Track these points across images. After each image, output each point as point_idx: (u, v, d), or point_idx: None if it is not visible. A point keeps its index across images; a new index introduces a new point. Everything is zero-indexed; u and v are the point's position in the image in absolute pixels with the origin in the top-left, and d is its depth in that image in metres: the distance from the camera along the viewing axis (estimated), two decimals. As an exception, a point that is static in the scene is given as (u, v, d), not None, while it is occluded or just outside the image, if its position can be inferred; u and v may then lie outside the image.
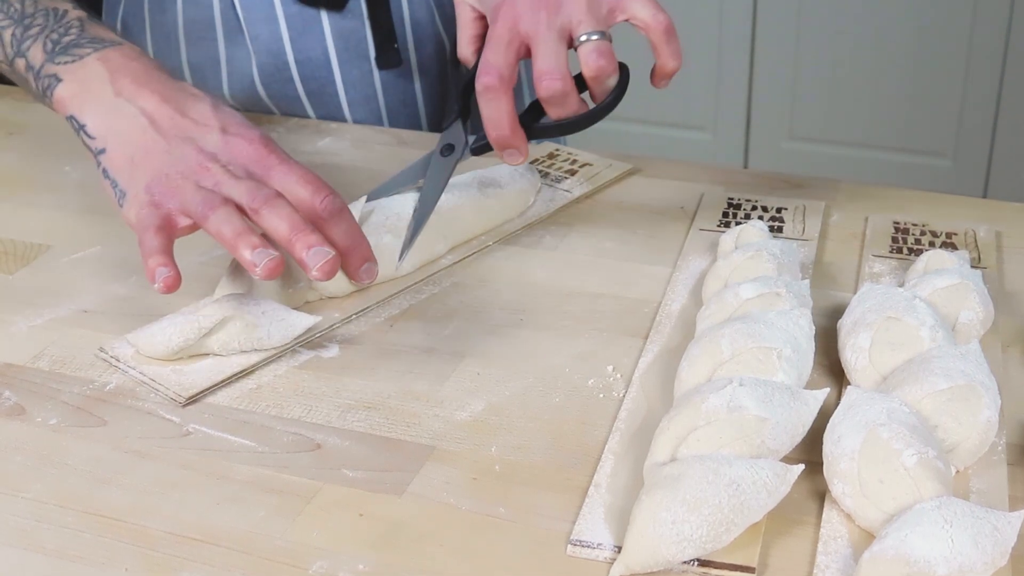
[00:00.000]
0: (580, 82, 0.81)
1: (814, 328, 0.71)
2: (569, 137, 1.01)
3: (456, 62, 0.88)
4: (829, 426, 0.63)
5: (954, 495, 0.59)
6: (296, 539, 0.61)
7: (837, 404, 0.64)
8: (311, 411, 0.71)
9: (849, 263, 0.86)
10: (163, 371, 0.75)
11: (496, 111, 0.81)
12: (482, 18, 0.86)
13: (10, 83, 0.91)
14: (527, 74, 1.16)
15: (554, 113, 0.81)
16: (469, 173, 0.92)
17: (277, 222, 0.73)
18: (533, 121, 0.83)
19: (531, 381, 0.74)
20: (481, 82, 0.80)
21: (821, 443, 0.62)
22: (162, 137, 0.77)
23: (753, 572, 0.58)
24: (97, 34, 0.84)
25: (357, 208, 0.82)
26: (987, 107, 2.59)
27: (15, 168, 1.04)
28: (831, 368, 0.73)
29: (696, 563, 0.58)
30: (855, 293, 0.75)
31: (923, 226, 0.89)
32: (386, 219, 0.85)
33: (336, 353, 0.77)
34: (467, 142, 0.86)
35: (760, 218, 0.91)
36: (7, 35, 0.85)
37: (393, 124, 1.15)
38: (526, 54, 0.81)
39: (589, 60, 0.79)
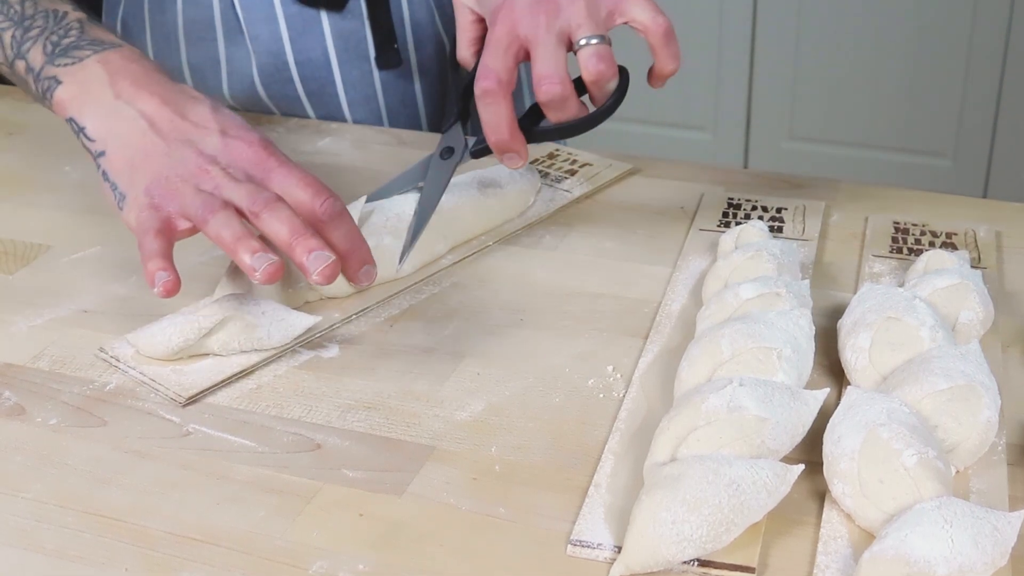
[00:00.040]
0: (580, 85, 0.81)
1: (814, 328, 0.71)
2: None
3: (455, 64, 0.88)
4: (829, 426, 0.63)
5: (954, 495, 0.59)
6: (296, 539, 0.61)
7: (837, 404, 0.64)
8: (311, 411, 0.71)
9: (849, 263, 0.86)
10: (163, 371, 0.75)
11: (495, 115, 0.81)
12: (481, 21, 0.86)
13: (10, 83, 0.91)
14: (527, 76, 1.16)
15: (554, 117, 0.81)
16: (469, 173, 0.92)
17: (277, 226, 0.72)
18: (532, 124, 0.83)
19: (531, 381, 0.74)
20: (480, 86, 0.80)
21: (821, 443, 0.62)
22: (162, 140, 0.77)
23: (753, 572, 0.58)
24: (97, 36, 0.84)
25: (356, 209, 0.82)
26: (987, 107, 2.59)
27: (15, 168, 1.04)
28: (831, 368, 0.73)
29: (696, 563, 0.58)
30: (855, 293, 0.75)
31: (923, 226, 0.89)
32: (386, 220, 0.85)
33: (336, 353, 0.77)
34: (466, 145, 0.86)
35: (760, 218, 0.91)
36: (7, 37, 0.85)
37: (393, 124, 1.15)
38: (525, 57, 0.81)
39: (589, 65, 0.79)
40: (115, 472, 0.67)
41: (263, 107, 1.14)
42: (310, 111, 1.13)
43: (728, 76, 2.74)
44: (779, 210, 0.92)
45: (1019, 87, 2.55)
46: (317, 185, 0.75)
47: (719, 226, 0.90)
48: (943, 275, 0.75)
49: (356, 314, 0.81)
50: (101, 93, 0.80)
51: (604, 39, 0.79)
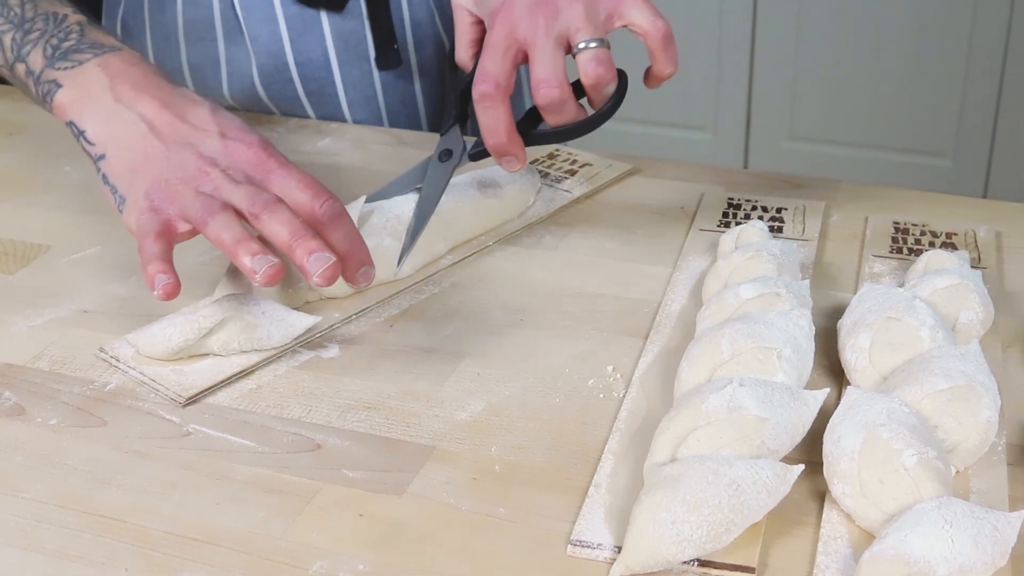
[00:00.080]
0: (578, 88, 0.81)
1: (814, 328, 0.71)
2: (569, 138, 1.01)
3: (454, 66, 0.88)
4: (829, 426, 0.63)
5: (954, 495, 0.59)
6: (296, 539, 0.61)
7: (837, 404, 0.64)
8: (311, 411, 0.71)
9: (849, 263, 0.86)
10: (163, 371, 0.75)
11: (493, 119, 0.80)
12: (479, 23, 0.86)
13: (10, 84, 0.91)
14: (527, 78, 1.16)
15: (552, 120, 0.81)
16: (469, 173, 0.92)
17: (277, 228, 0.72)
18: (531, 127, 0.83)
19: (531, 381, 0.74)
20: (478, 90, 0.80)
21: (821, 443, 0.62)
22: (161, 143, 0.77)
23: (753, 572, 0.58)
24: (97, 39, 0.84)
25: (355, 209, 0.82)
26: (987, 107, 2.59)
27: (15, 168, 1.04)
28: (831, 368, 0.73)
29: (696, 563, 0.58)
30: (855, 293, 0.75)
31: (923, 226, 0.89)
32: (386, 221, 0.85)
33: (336, 353, 0.77)
34: (465, 147, 0.86)
35: (760, 218, 0.91)
36: (7, 40, 0.85)
37: (393, 124, 1.15)
38: (523, 60, 0.80)
39: (588, 69, 0.79)
40: (115, 472, 0.67)
41: (263, 107, 1.14)
42: (310, 111, 1.13)
43: (728, 76, 2.74)
44: (779, 210, 0.92)
45: (1019, 87, 2.55)
46: (317, 186, 0.75)
47: (719, 226, 0.90)
48: (943, 275, 0.75)
49: (356, 314, 0.81)
50: (101, 97, 0.80)
51: (603, 42, 0.79)
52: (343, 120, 1.13)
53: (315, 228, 0.74)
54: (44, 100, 0.83)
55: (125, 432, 0.70)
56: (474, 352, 0.77)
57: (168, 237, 0.74)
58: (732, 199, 0.94)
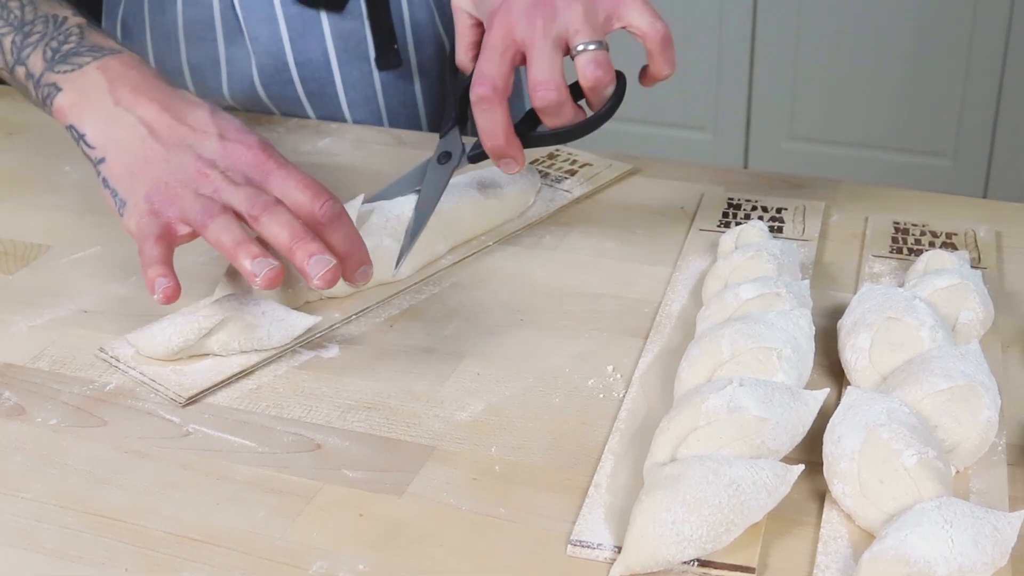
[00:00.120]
0: (577, 89, 0.81)
1: (814, 328, 0.71)
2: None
3: (455, 68, 0.88)
4: (829, 426, 0.63)
5: (954, 495, 0.59)
6: (296, 539, 0.61)
7: (837, 404, 0.64)
8: (311, 411, 0.71)
9: (849, 263, 0.86)
10: (163, 371, 0.75)
11: (491, 122, 0.80)
12: (479, 24, 0.86)
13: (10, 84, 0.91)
14: (527, 79, 1.16)
15: (550, 122, 0.81)
16: (469, 173, 0.92)
17: (277, 230, 0.72)
18: (530, 129, 0.83)
19: (531, 381, 0.74)
20: (475, 93, 0.80)
21: (821, 443, 0.62)
22: (161, 145, 0.77)
23: (753, 572, 0.58)
24: (96, 42, 0.84)
25: (354, 207, 0.82)
26: (987, 107, 2.59)
27: (15, 168, 1.04)
28: (831, 368, 0.73)
29: (696, 563, 0.58)
30: (855, 293, 0.75)
31: (923, 226, 0.89)
32: (387, 221, 0.85)
33: (336, 353, 0.77)
34: (464, 150, 0.86)
35: (760, 218, 0.91)
36: (7, 42, 0.85)
37: (393, 125, 1.15)
38: (522, 61, 0.80)
39: (586, 71, 0.79)
40: (115, 472, 0.67)
41: (263, 107, 1.14)
42: (310, 112, 1.13)
43: (728, 76, 2.74)
44: (779, 210, 0.92)
45: (1019, 87, 2.55)
46: (316, 187, 0.75)
47: (719, 226, 0.90)
48: (943, 275, 0.75)
49: (356, 314, 0.81)
50: (100, 100, 0.80)
51: (602, 45, 0.79)
52: (343, 120, 1.13)
53: (315, 229, 0.74)
54: (44, 103, 0.83)
55: (125, 432, 0.70)
56: (474, 352, 0.77)
57: (168, 240, 0.74)
58: (732, 199, 0.94)
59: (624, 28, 0.81)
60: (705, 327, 0.73)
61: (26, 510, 0.64)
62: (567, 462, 0.66)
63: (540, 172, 0.99)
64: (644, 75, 0.83)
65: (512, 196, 0.92)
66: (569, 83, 0.80)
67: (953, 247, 0.86)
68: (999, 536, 0.55)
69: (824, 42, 2.64)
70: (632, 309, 0.81)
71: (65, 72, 0.82)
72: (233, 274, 0.80)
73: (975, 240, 0.87)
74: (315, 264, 0.71)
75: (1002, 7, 2.49)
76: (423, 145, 1.04)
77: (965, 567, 0.54)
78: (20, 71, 0.85)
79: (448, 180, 0.86)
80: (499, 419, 0.70)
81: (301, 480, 0.66)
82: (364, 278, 0.77)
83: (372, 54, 1.11)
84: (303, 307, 0.81)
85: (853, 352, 0.70)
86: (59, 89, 0.82)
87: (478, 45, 0.86)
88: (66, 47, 0.83)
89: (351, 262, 0.76)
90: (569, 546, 0.60)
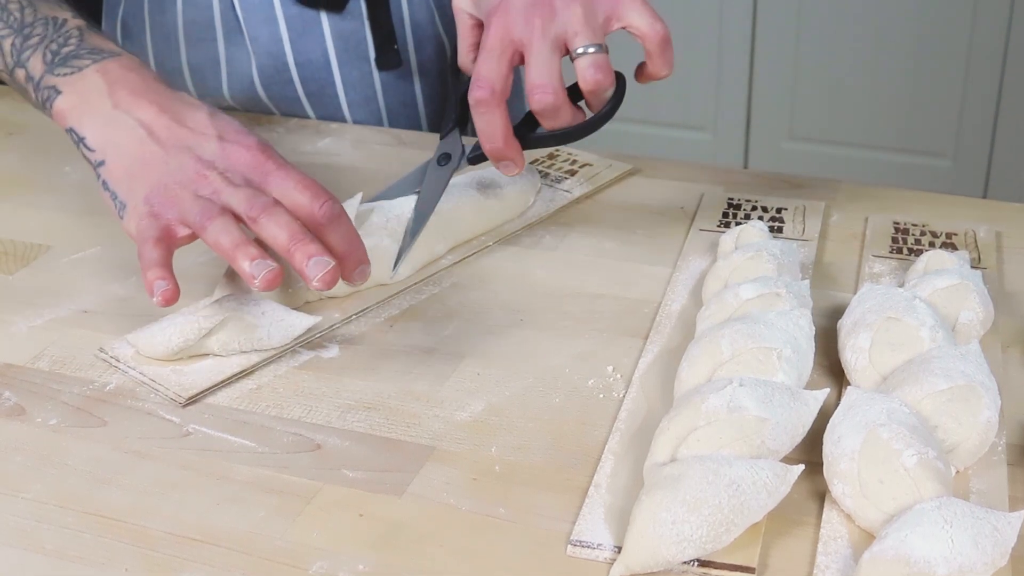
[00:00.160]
0: (576, 90, 0.81)
1: (814, 328, 0.71)
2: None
3: (457, 70, 0.88)
4: (829, 426, 0.63)
5: (954, 495, 0.59)
6: (296, 539, 0.61)
7: (837, 404, 0.64)
8: (311, 411, 0.71)
9: (849, 263, 0.86)
10: (163, 371, 0.75)
11: (490, 124, 0.80)
12: (480, 25, 0.86)
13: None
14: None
15: (548, 125, 0.81)
16: (469, 173, 0.92)
17: (276, 231, 0.72)
18: (529, 131, 0.83)
19: (531, 381, 0.74)
20: (474, 96, 0.80)
21: (821, 443, 0.62)
22: (160, 147, 0.77)
23: (753, 572, 0.58)
24: (96, 44, 0.84)
25: (352, 207, 0.82)
26: (987, 107, 2.59)
27: (15, 168, 1.04)
28: (831, 368, 0.73)
29: (696, 563, 0.58)
30: (855, 293, 0.75)
31: (923, 226, 0.89)
32: (387, 221, 0.85)
33: (336, 353, 0.77)
34: (463, 151, 0.86)
35: (760, 218, 0.91)
36: (7, 45, 0.85)
37: (393, 125, 1.15)
38: (521, 62, 0.80)
39: (586, 75, 0.79)
40: (115, 472, 0.67)
41: (263, 108, 1.14)
42: (310, 112, 1.13)
43: (728, 76, 2.74)
44: (779, 210, 0.92)
45: (1019, 87, 2.55)
46: (315, 188, 0.75)
47: (719, 226, 0.90)
48: (943, 275, 0.75)
49: (356, 314, 0.81)
50: (100, 103, 0.80)
51: (601, 47, 0.79)
52: (343, 120, 1.13)
53: (314, 229, 0.74)
54: (44, 106, 0.83)
55: (125, 432, 0.70)
56: (474, 352, 0.77)
57: (168, 242, 0.74)
58: (732, 199, 0.94)
59: (624, 29, 0.81)
60: (705, 327, 0.73)
61: (26, 510, 0.64)
62: (567, 462, 0.66)
63: (540, 172, 0.99)
64: (641, 73, 0.83)
65: (512, 196, 0.92)
66: (568, 84, 0.80)
67: (953, 247, 0.86)
68: (999, 536, 0.55)
69: (824, 42, 2.64)
70: (632, 309, 0.81)
71: (65, 75, 0.82)
72: (232, 275, 0.80)
73: (975, 240, 0.87)
74: (314, 266, 0.71)
75: (1002, 7, 2.49)
76: (423, 145, 1.04)
77: (965, 567, 0.54)
78: (20, 73, 0.85)
79: (448, 182, 0.86)
80: (499, 419, 0.70)
81: (301, 480, 0.66)
82: (362, 277, 0.77)
83: (372, 54, 1.11)
84: (303, 307, 0.81)
85: (853, 352, 0.70)
86: (59, 92, 0.82)
87: (479, 46, 0.86)
88: (66, 50, 0.83)
89: (350, 262, 0.76)
90: (569, 546, 0.60)
